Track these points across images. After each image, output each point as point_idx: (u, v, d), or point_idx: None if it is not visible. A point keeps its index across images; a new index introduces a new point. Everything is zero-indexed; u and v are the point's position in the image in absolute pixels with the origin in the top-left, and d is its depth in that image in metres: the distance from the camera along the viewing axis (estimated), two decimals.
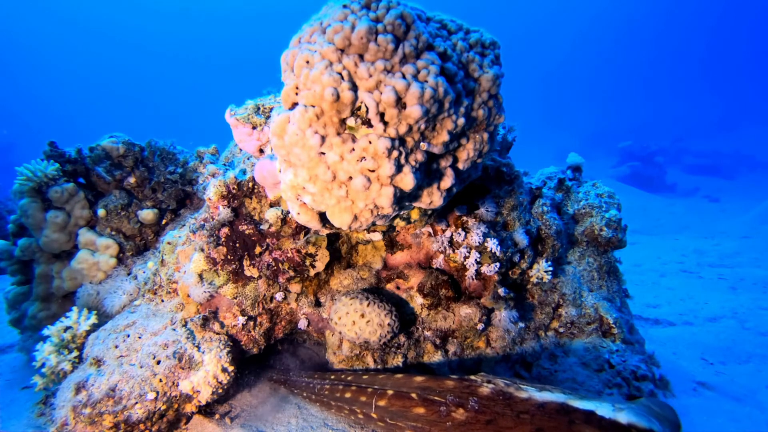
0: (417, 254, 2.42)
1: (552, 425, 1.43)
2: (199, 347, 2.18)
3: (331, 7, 1.49)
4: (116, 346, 2.22)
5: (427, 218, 2.20)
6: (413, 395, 1.82)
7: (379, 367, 2.29)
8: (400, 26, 1.41)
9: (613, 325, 2.86)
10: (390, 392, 1.91)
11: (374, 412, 1.91)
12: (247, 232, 2.20)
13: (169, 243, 2.57)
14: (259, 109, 2.13)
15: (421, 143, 1.53)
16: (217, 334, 2.26)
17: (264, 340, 2.40)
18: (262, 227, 2.22)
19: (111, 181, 3.16)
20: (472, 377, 1.79)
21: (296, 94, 1.49)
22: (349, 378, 2.19)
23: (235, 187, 2.22)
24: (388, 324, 2.17)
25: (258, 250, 2.22)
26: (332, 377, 2.30)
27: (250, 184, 2.24)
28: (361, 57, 1.41)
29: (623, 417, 1.31)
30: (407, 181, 1.51)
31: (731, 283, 7.04)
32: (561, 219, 3.19)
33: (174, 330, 2.24)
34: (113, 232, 3.14)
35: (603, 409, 1.38)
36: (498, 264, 2.32)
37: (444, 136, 1.54)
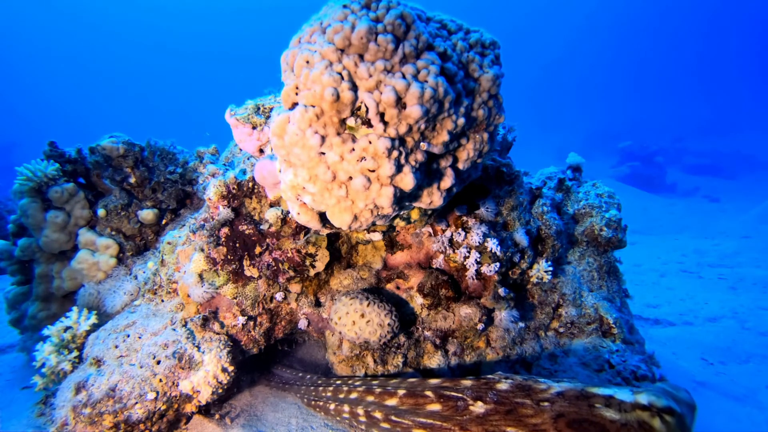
0: (417, 254, 2.42)
1: (572, 410, 1.45)
2: (199, 347, 2.17)
3: (331, 7, 1.49)
4: (116, 346, 2.22)
5: (427, 218, 2.20)
6: (428, 393, 1.81)
7: (379, 367, 2.29)
8: (400, 26, 1.41)
9: (613, 325, 2.86)
10: (401, 392, 1.90)
11: (380, 410, 1.89)
12: (247, 232, 2.20)
13: (169, 243, 2.57)
14: (259, 109, 2.13)
15: (421, 143, 1.53)
16: (217, 334, 2.26)
17: (264, 340, 2.40)
18: (262, 227, 2.22)
19: (114, 186, 3.16)
20: (490, 376, 1.80)
21: (296, 94, 1.49)
22: (357, 382, 2.18)
23: (235, 187, 2.22)
24: (388, 324, 2.17)
25: (258, 250, 2.22)
26: (338, 381, 2.29)
27: (250, 184, 2.24)
28: (361, 57, 1.41)
29: (643, 398, 1.35)
30: (407, 181, 1.51)
31: (731, 283, 7.04)
32: (561, 219, 3.19)
33: (174, 330, 2.24)
34: (113, 232, 3.14)
35: (622, 394, 1.42)
36: (498, 264, 2.32)
37: (444, 136, 1.54)
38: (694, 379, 3.77)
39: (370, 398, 1.99)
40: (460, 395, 1.73)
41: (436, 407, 1.73)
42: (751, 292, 6.52)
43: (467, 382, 1.79)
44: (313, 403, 2.29)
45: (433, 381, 1.89)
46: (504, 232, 2.55)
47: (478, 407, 1.65)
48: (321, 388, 2.28)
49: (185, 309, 2.33)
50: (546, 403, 1.53)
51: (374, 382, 2.10)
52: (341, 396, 2.13)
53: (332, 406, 2.13)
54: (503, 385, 1.70)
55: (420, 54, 1.46)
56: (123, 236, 3.15)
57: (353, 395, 2.07)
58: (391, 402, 1.88)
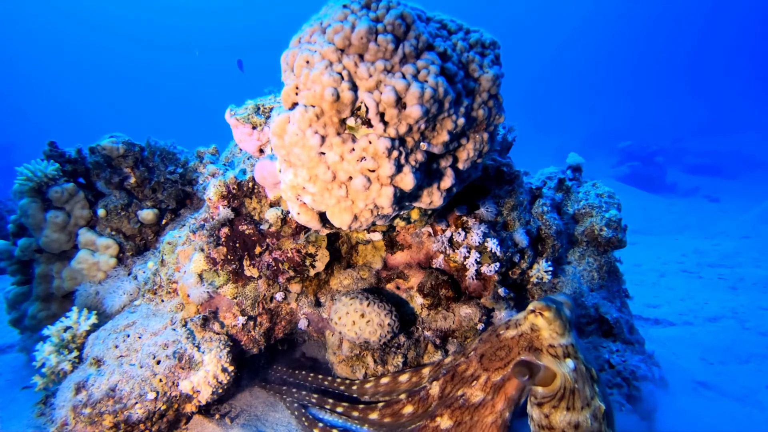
0: (417, 254, 2.42)
1: (487, 346, 1.82)
2: (199, 347, 2.17)
3: (331, 7, 1.49)
4: (116, 346, 2.22)
5: (427, 218, 2.20)
6: (401, 396, 1.98)
7: (379, 367, 2.29)
8: (400, 26, 1.41)
9: (613, 325, 2.86)
10: (380, 404, 2.03)
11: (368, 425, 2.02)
12: (247, 232, 2.20)
13: (169, 243, 2.57)
14: (259, 109, 2.13)
15: (421, 143, 1.53)
16: (217, 334, 2.26)
17: (264, 340, 2.40)
18: (262, 227, 2.22)
19: (108, 190, 3.16)
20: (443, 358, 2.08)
21: (296, 94, 1.49)
22: (341, 387, 2.26)
23: (235, 187, 2.22)
24: (388, 324, 2.17)
25: (258, 250, 2.22)
26: (324, 382, 2.33)
27: (250, 184, 2.24)
28: (361, 57, 1.41)
29: (530, 307, 1.73)
30: (407, 181, 1.51)
31: (731, 283, 7.04)
32: (561, 219, 3.19)
33: (174, 330, 2.24)
34: (113, 232, 3.14)
35: (517, 314, 1.82)
36: (498, 264, 2.32)
37: (444, 136, 1.54)
38: (694, 379, 3.77)
39: (355, 413, 2.08)
40: (423, 385, 1.95)
41: (410, 409, 1.92)
42: (751, 292, 6.52)
43: (425, 370, 2.02)
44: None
45: (403, 378, 2.08)
46: (504, 232, 2.55)
47: (434, 387, 1.89)
48: (307, 397, 2.32)
49: (185, 309, 2.33)
50: (472, 352, 1.87)
51: (353, 387, 2.20)
52: (327, 407, 2.21)
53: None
54: (449, 358, 1.98)
55: (420, 54, 1.46)
56: (123, 236, 3.15)
57: (339, 409, 2.16)
58: (374, 416, 2.00)
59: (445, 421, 1.74)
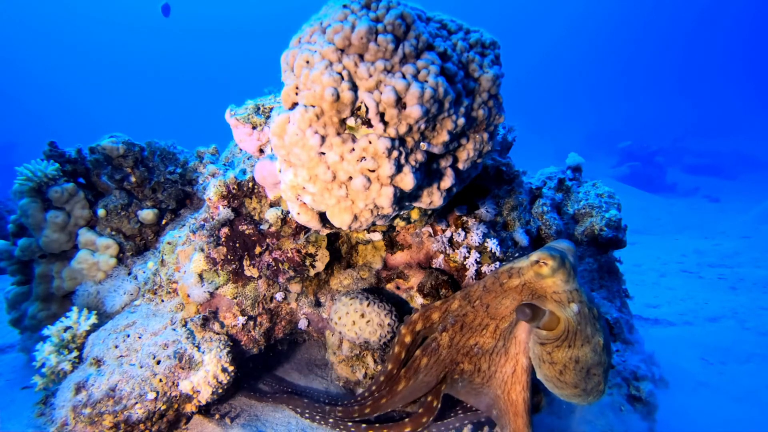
0: (417, 254, 2.42)
1: (492, 295, 1.86)
2: (199, 347, 2.18)
3: (331, 7, 1.49)
4: (116, 346, 2.22)
5: (427, 218, 2.20)
6: (417, 353, 2.02)
7: (379, 367, 2.29)
8: (400, 26, 1.41)
9: (613, 325, 2.86)
10: (403, 370, 2.04)
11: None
12: (247, 232, 2.20)
13: (169, 243, 2.57)
14: (259, 109, 2.13)
15: (421, 143, 1.53)
16: (217, 334, 2.26)
17: (264, 340, 2.40)
18: (262, 227, 2.22)
19: (113, 184, 3.16)
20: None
21: (296, 94, 1.49)
22: (369, 400, 2.15)
23: (235, 187, 2.22)
24: (388, 324, 2.17)
25: (258, 250, 2.22)
26: (341, 405, 2.22)
27: (250, 184, 2.24)
28: (361, 57, 1.41)
29: (534, 256, 1.72)
30: (407, 181, 1.51)
31: (731, 283, 7.04)
32: (561, 219, 3.19)
33: (174, 330, 2.24)
34: (113, 232, 3.14)
35: (519, 262, 1.81)
36: (498, 264, 2.32)
37: (444, 136, 1.55)
38: (694, 379, 3.77)
39: (384, 401, 2.04)
40: (434, 336, 1.98)
41: (425, 361, 1.97)
42: (751, 292, 6.52)
43: (435, 316, 2.02)
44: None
45: (418, 326, 2.06)
46: (504, 232, 2.55)
47: (444, 338, 1.94)
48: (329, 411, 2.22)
49: (185, 309, 2.33)
50: (477, 301, 1.90)
51: (378, 395, 2.10)
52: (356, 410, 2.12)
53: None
54: (456, 304, 1.98)
55: (420, 54, 1.46)
56: (123, 236, 3.15)
57: (367, 410, 2.09)
58: (399, 387, 2.01)
59: (466, 366, 1.89)
